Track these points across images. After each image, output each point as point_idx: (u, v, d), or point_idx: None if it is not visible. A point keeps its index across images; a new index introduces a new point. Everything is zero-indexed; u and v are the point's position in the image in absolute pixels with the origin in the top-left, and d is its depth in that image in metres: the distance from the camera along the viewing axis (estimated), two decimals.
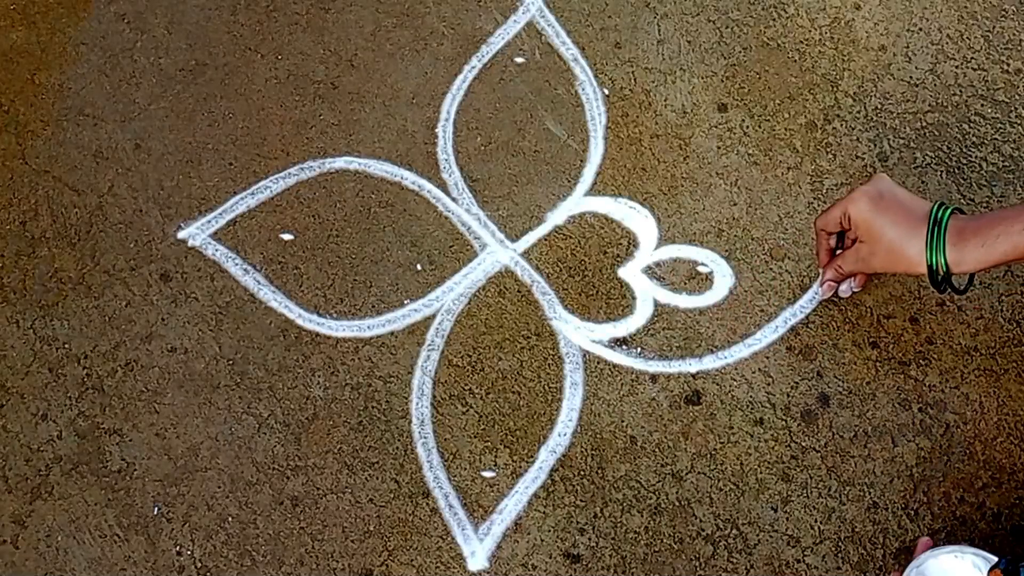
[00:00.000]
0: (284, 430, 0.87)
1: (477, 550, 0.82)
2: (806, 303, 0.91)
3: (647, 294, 0.92)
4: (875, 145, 0.98)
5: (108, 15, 1.08)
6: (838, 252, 0.86)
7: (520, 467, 0.85)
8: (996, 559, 0.71)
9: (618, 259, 0.94)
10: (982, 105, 1.00)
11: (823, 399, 0.87)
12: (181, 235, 0.96)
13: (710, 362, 0.89)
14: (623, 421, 0.87)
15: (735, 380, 0.88)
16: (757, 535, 0.82)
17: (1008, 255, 0.73)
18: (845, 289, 0.89)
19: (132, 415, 0.88)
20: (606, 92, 1.02)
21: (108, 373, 0.90)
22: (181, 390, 0.89)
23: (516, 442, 0.86)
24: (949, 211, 0.75)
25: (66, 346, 0.91)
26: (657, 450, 0.85)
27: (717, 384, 0.88)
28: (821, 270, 0.88)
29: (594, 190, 0.97)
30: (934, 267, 0.75)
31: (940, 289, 0.77)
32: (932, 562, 0.73)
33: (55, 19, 1.08)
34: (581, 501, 0.84)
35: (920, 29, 1.05)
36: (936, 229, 0.75)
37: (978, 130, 0.98)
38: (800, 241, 0.94)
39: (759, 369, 0.88)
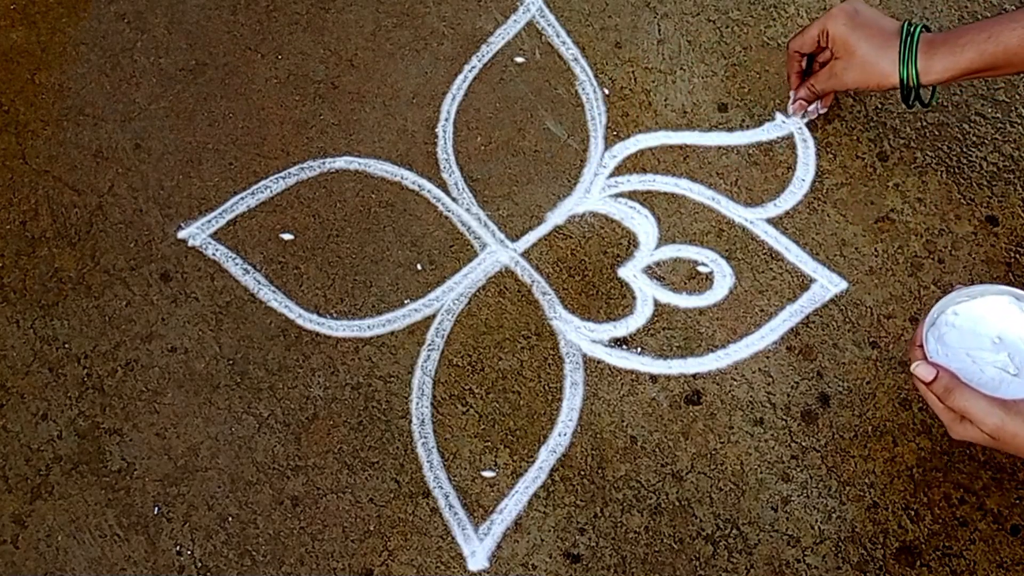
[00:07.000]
0: (284, 430, 0.87)
1: (477, 550, 0.82)
2: (806, 303, 0.91)
3: (647, 294, 0.92)
4: (875, 145, 0.98)
5: (108, 15, 1.08)
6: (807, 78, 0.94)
7: (520, 467, 0.85)
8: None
9: (618, 259, 0.94)
10: (982, 105, 1.00)
11: (823, 399, 0.87)
12: (181, 235, 0.96)
13: (710, 362, 0.89)
14: (623, 421, 0.86)
15: (735, 380, 0.88)
16: (757, 535, 0.82)
17: (974, 63, 0.80)
18: (813, 110, 0.97)
19: (132, 415, 0.88)
20: (606, 92, 1.02)
21: (108, 373, 0.90)
22: (181, 390, 0.89)
23: (516, 442, 0.86)
24: (920, 27, 0.82)
25: (66, 346, 0.91)
26: (657, 450, 0.85)
27: (717, 384, 0.88)
28: (792, 92, 0.96)
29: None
30: (905, 78, 0.82)
31: (908, 103, 0.86)
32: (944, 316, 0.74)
33: (55, 19, 1.08)
34: (581, 501, 0.84)
35: None
36: (909, 41, 0.82)
37: (978, 130, 0.98)
38: (800, 241, 0.94)
39: (759, 369, 0.88)
